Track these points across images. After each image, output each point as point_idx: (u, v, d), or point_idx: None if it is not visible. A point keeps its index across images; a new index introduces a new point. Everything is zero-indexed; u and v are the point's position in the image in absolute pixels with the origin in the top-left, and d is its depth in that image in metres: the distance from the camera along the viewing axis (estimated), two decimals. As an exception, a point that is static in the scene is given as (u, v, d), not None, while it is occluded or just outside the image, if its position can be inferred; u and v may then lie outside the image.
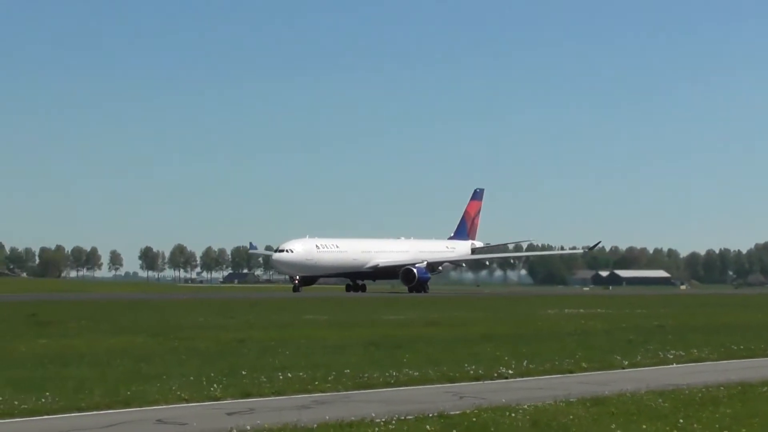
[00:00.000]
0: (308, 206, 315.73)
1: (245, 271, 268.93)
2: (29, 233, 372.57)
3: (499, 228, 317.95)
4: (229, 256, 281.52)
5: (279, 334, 36.75)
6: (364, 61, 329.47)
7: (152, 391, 20.08)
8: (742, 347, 32.67)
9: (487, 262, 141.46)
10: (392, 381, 22.50)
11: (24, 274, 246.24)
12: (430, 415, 17.22)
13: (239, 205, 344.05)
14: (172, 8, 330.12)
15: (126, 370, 23.99)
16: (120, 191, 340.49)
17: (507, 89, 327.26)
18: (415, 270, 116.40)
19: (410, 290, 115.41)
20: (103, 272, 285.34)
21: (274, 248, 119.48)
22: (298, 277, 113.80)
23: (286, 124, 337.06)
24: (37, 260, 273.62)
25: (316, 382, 21.77)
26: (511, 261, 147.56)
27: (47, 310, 53.58)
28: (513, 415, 17.21)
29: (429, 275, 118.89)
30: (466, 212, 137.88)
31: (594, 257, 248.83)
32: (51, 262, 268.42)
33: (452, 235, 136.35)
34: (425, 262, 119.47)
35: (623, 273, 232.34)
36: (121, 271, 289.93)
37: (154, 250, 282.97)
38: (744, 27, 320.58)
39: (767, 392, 20.93)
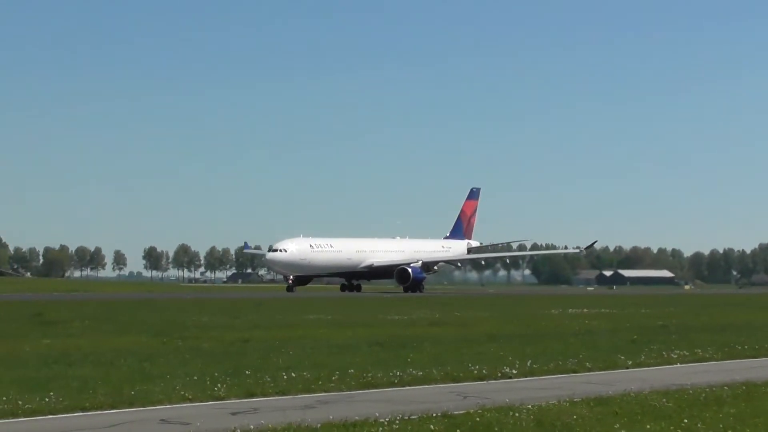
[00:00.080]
0: (308, 206, 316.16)
1: (249, 270, 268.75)
2: (33, 233, 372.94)
3: (497, 228, 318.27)
4: (233, 256, 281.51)
5: (283, 334, 36.76)
6: (360, 61, 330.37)
7: (156, 390, 20.10)
8: (746, 347, 32.66)
9: (483, 262, 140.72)
10: (396, 381, 22.50)
11: (28, 274, 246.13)
12: (434, 414, 17.21)
13: (243, 205, 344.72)
14: (173, 8, 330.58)
15: (130, 370, 24.02)
16: (124, 191, 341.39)
17: (507, 89, 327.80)
18: (410, 270, 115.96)
19: (405, 290, 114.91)
20: (107, 272, 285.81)
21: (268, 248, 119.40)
22: (292, 277, 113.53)
23: (286, 124, 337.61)
24: (41, 260, 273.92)
25: (320, 382, 21.78)
26: (507, 261, 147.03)
27: (51, 310, 53.61)
28: (517, 414, 17.20)
29: (424, 275, 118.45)
30: (462, 212, 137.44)
31: (598, 257, 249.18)
32: (55, 262, 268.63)
33: (448, 234, 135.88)
34: (420, 262, 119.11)
35: (627, 273, 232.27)
36: (125, 271, 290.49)
37: (158, 249, 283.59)
38: (748, 26, 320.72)
39: (771, 392, 20.91)
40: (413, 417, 16.98)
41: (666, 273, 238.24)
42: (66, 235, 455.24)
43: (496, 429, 16.04)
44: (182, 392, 19.90)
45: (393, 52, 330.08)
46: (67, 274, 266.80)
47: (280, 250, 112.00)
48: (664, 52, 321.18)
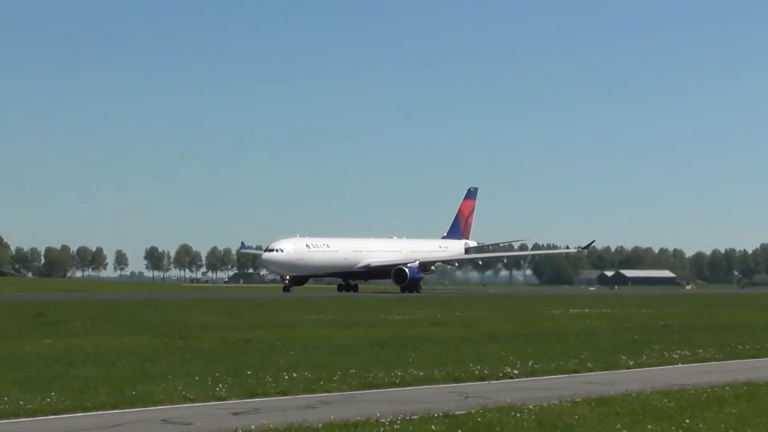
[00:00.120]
0: (309, 206, 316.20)
1: (250, 271, 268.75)
2: (35, 233, 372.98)
3: (497, 228, 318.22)
4: (235, 256, 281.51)
5: (284, 334, 36.76)
6: (360, 61, 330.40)
7: (157, 391, 20.10)
8: (747, 347, 32.65)
9: (480, 262, 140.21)
10: (397, 381, 22.51)
11: (30, 274, 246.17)
12: (436, 415, 17.21)
13: (244, 205, 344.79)
14: (172, 8, 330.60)
15: (131, 370, 24.03)
16: (125, 191, 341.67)
17: (507, 89, 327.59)
18: (407, 270, 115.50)
19: (402, 290, 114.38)
20: (109, 272, 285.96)
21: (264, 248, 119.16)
22: (288, 277, 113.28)
23: (286, 124, 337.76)
24: (43, 260, 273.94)
25: (322, 382, 21.78)
26: (504, 261, 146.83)
27: (53, 310, 53.63)
28: (518, 415, 17.21)
29: (421, 275, 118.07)
30: (459, 211, 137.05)
31: (599, 257, 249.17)
32: (56, 262, 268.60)
33: (446, 234, 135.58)
34: (417, 262, 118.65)
35: (628, 273, 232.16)
36: (127, 271, 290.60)
37: (160, 250, 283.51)
38: (748, 26, 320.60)
39: (773, 392, 20.91)
40: (414, 417, 16.98)
41: (667, 273, 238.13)
42: (67, 235, 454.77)
43: (498, 429, 16.04)
44: (184, 392, 19.90)
45: (393, 52, 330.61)
46: (68, 274, 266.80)
47: (277, 250, 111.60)
48: (664, 52, 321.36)
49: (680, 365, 27.71)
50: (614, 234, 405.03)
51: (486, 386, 22.22)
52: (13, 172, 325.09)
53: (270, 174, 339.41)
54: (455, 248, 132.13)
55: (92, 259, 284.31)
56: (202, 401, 19.31)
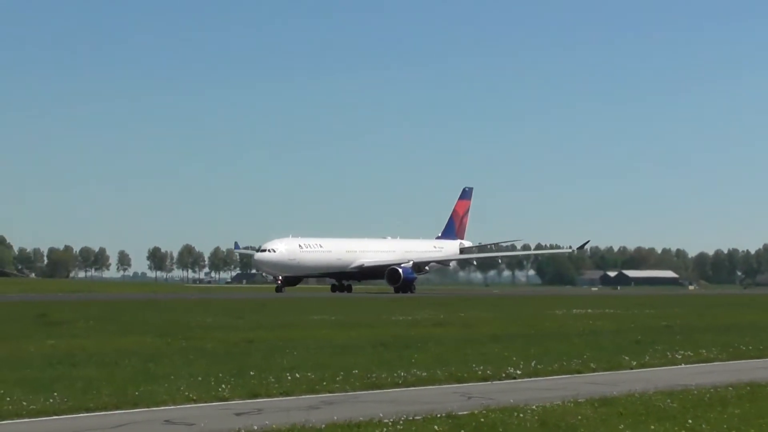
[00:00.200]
0: (309, 206, 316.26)
1: (253, 271, 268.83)
2: (38, 234, 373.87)
3: (497, 228, 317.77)
4: (237, 257, 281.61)
5: (287, 335, 36.77)
6: (360, 61, 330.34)
7: (160, 391, 20.11)
8: (750, 347, 32.63)
9: (475, 262, 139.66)
10: (400, 381, 22.50)
11: (32, 275, 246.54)
12: (438, 415, 17.21)
13: (245, 205, 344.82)
14: (172, 8, 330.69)
15: (134, 371, 24.03)
16: (127, 192, 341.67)
17: (506, 89, 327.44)
18: (400, 270, 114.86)
19: (396, 290, 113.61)
20: (112, 273, 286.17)
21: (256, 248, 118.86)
22: (281, 278, 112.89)
23: (286, 124, 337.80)
24: (46, 261, 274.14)
25: (325, 383, 21.78)
26: (500, 261, 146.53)
27: (56, 310, 53.65)
28: (521, 415, 17.20)
29: (415, 275, 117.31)
30: (454, 211, 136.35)
31: (602, 257, 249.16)
32: (59, 262, 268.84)
33: (440, 234, 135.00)
34: (411, 262, 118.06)
35: (631, 273, 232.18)
36: (130, 272, 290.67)
37: (163, 250, 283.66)
38: (748, 26, 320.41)
39: (776, 393, 20.89)
40: (417, 417, 16.98)
41: (670, 273, 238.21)
42: (70, 235, 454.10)
43: (501, 429, 16.04)
44: (186, 393, 19.91)
45: (393, 52, 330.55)
46: (71, 274, 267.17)
47: (269, 250, 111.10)
48: (664, 52, 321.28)
49: (683, 366, 27.69)
50: (617, 234, 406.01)
51: (489, 387, 22.21)
52: (16, 172, 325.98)
53: (270, 174, 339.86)
54: (450, 248, 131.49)
55: (95, 259, 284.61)
56: (205, 402, 19.31)
